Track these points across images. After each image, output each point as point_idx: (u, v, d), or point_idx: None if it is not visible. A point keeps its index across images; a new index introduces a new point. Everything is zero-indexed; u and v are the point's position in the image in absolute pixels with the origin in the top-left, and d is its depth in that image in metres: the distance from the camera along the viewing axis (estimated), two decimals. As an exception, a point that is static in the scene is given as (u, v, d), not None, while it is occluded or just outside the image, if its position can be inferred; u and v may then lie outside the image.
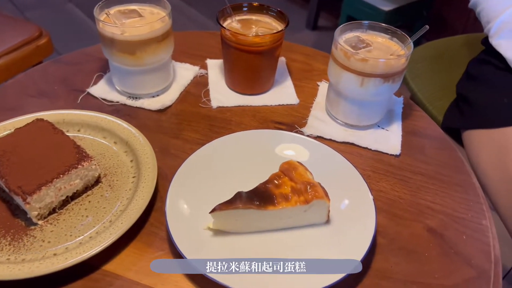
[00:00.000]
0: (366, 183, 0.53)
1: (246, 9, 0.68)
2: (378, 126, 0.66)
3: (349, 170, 0.55)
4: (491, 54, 0.85)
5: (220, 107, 0.68)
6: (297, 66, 0.78)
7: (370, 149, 0.62)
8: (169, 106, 0.67)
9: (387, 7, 2.00)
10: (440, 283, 0.46)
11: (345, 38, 0.63)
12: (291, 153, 0.58)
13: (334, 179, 0.53)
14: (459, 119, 0.85)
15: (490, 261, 0.49)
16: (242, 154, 0.57)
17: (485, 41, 0.86)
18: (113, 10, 0.65)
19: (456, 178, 0.59)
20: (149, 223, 0.51)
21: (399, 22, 2.13)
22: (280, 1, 2.60)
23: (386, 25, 0.64)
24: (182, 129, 0.63)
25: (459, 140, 0.86)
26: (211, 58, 0.77)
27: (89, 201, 0.51)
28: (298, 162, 0.52)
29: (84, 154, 0.51)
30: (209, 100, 0.69)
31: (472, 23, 2.03)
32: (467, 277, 0.47)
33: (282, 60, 0.79)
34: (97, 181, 0.53)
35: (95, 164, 0.51)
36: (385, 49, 0.62)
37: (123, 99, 0.67)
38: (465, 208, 0.55)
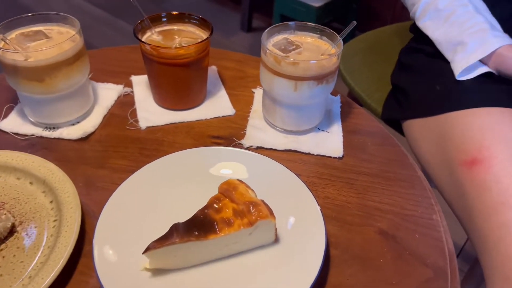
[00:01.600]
0: (312, 193, 0.50)
1: (165, 19, 0.63)
2: (319, 128, 0.64)
3: (293, 181, 0.52)
4: (419, 40, 0.86)
5: (149, 127, 0.62)
6: (230, 74, 0.74)
7: (313, 154, 0.60)
8: (92, 133, 0.61)
9: (317, 3, 2.01)
10: (398, 291, 0.44)
11: (273, 41, 0.60)
12: (229, 171, 0.54)
13: (279, 194, 0.50)
14: (397, 110, 0.84)
15: (445, 257, 0.48)
16: (176, 179, 0.52)
17: (413, 27, 0.87)
18: (14, 33, 0.57)
19: (401, 174, 0.58)
20: (77, 271, 0.45)
21: (330, 16, 2.16)
22: (212, 6, 2.56)
23: (314, 24, 0.61)
24: (108, 157, 0.57)
25: (401, 131, 0.86)
26: (136, 74, 0.71)
27: (3, 257, 0.44)
28: (238, 180, 0.48)
29: (-10, 203, 0.44)
30: (136, 121, 0.63)
31: (399, 12, 2.09)
32: (425, 278, 0.46)
33: (213, 69, 0.74)
34: (11, 231, 0.46)
35: (5, 213, 0.44)
36: (316, 49, 0.59)
37: (39, 131, 0.60)
38: (413, 204, 0.54)
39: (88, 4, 2.55)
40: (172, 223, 0.43)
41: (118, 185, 0.49)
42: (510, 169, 0.58)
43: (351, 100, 0.70)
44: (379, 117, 0.92)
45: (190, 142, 0.60)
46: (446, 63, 0.78)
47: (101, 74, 0.71)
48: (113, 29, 2.33)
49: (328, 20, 2.28)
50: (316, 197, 0.50)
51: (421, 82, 0.80)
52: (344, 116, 0.67)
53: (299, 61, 0.55)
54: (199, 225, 0.43)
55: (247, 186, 0.47)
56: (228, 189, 0.46)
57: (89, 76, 0.63)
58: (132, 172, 0.51)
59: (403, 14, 2.08)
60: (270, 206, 0.45)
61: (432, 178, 0.74)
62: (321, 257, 0.43)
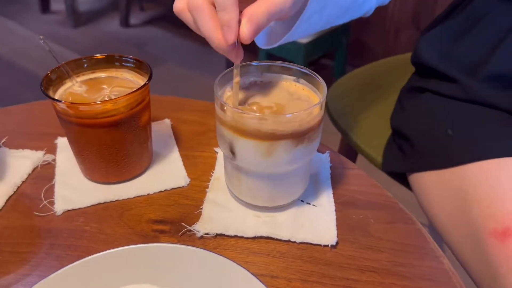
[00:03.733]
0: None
1: (86, 65, 0.47)
2: (302, 201, 0.47)
3: (262, 297, 0.34)
4: (423, 75, 0.71)
5: (67, 210, 0.45)
6: (187, 129, 0.58)
7: (295, 242, 0.42)
8: (-14, 225, 0.44)
9: (305, 40, 1.89)
10: None
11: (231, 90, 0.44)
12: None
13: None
14: (401, 161, 0.69)
15: None
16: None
17: (414, 58, 0.72)
18: None
19: (422, 267, 0.40)
20: None
21: (320, 52, 2.04)
22: (197, 46, 2.45)
23: (288, 63, 0.46)
24: (9, 261, 0.40)
25: (407, 183, 0.70)
26: (63, 135, 0.55)
27: None
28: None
29: None
30: (52, 203, 0.46)
31: (392, 44, 1.98)
32: None
33: (166, 124, 0.58)
34: None
35: None
36: (290, 98, 0.43)
37: None
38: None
39: (68, 51, 2.44)
40: None
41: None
42: None
43: (344, 158, 0.54)
44: (380, 168, 0.75)
45: (121, 231, 0.43)
46: (460, 102, 0.63)
47: (18, 137, 0.54)
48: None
49: (317, 57, 2.16)
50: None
51: (428, 127, 0.64)
52: (336, 181, 0.50)
53: (268, 117, 0.38)
54: None
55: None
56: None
57: (2, 142, 0.47)
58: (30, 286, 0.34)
59: (396, 46, 1.96)
60: None
61: (450, 246, 0.57)
62: None
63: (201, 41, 2.52)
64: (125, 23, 2.72)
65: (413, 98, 0.71)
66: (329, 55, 2.19)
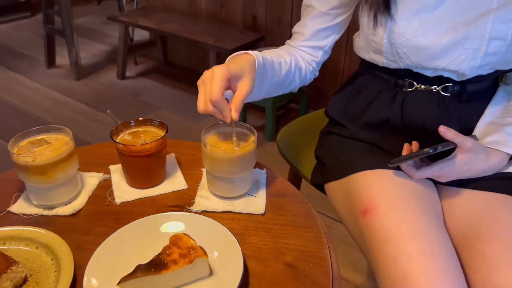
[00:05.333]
0: (237, 240, 0.72)
1: (133, 123, 0.88)
2: (248, 194, 0.87)
3: (224, 232, 0.74)
4: (331, 123, 1.13)
5: (123, 202, 0.85)
6: (185, 158, 0.99)
7: (243, 213, 0.82)
8: (80, 210, 0.83)
9: (272, 89, 2.34)
10: (294, 300, 0.65)
11: (212, 133, 0.85)
12: (180, 228, 0.76)
13: (213, 241, 0.71)
14: (320, 177, 1.09)
15: (330, 278, 0.69)
16: (141, 236, 0.74)
17: (326, 113, 1.14)
18: (24, 142, 0.81)
19: (306, 223, 0.80)
20: (71, 305, 0.64)
21: (286, 99, 2.49)
22: (185, 95, 2.88)
23: (241, 122, 0.85)
24: (92, 226, 0.79)
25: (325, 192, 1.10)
26: (112, 164, 0.95)
27: (20, 298, 0.64)
28: (184, 233, 0.70)
29: (11, 260, 0.64)
30: (113, 199, 0.85)
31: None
32: (313, 292, 0.67)
33: (172, 155, 0.99)
34: (25, 280, 0.66)
35: (21, 267, 0.65)
36: (244, 138, 0.84)
37: (40, 211, 0.81)
38: (312, 243, 0.76)
39: (72, 100, 2.85)
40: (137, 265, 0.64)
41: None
42: (390, 215, 0.81)
43: (274, 172, 0.95)
44: (309, 182, 1.16)
45: (153, 211, 0.82)
46: (348, 139, 1.04)
47: (87, 165, 0.94)
48: (95, 121, 2.61)
49: (285, 102, 2.62)
50: (242, 243, 0.72)
51: (332, 155, 1.06)
52: (268, 184, 0.90)
53: (225, 151, 0.79)
54: (155, 265, 0.64)
55: (190, 237, 0.69)
56: (175, 240, 0.68)
57: (78, 168, 0.86)
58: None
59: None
60: (206, 250, 0.67)
61: (347, 228, 0.96)
62: (239, 279, 0.64)
63: (188, 90, 2.97)
64: (122, 75, 3.15)
65: (325, 137, 1.13)
66: (295, 100, 2.65)
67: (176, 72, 3.27)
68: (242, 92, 0.78)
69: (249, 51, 0.85)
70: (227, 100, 0.76)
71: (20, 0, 4.52)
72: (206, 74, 0.77)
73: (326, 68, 1.03)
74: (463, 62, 0.86)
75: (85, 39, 3.90)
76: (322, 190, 1.11)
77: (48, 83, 3.11)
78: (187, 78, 3.15)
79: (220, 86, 0.75)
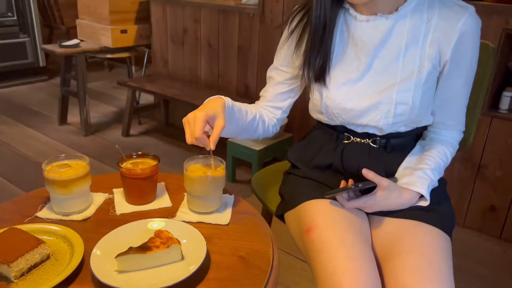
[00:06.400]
0: (203, 237, 0.98)
1: (134, 156, 1.18)
2: (218, 211, 1.14)
3: (194, 231, 1.00)
4: (291, 166, 1.41)
5: (121, 213, 1.11)
6: (172, 186, 1.26)
7: (212, 223, 1.09)
8: (89, 217, 1.09)
9: (258, 147, 2.66)
10: (243, 283, 0.90)
11: (193, 163, 1.13)
12: (162, 226, 1.02)
13: (186, 236, 0.98)
14: (280, 209, 1.36)
15: (270, 265, 0.95)
16: (134, 231, 1.00)
17: (287, 158, 1.43)
18: (54, 164, 1.10)
19: (259, 231, 1.07)
20: (79, 277, 0.89)
21: (270, 156, 2.80)
22: (171, 147, 3.20)
23: (216, 156, 1.15)
24: (98, 228, 1.05)
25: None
26: (115, 187, 1.23)
27: (44, 268, 0.89)
28: (165, 230, 0.96)
29: (40, 241, 0.90)
30: (114, 211, 1.12)
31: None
32: (257, 274, 0.92)
33: (162, 184, 1.27)
34: (48, 257, 0.91)
35: (47, 246, 0.91)
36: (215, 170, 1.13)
37: (59, 217, 1.08)
38: (261, 244, 1.02)
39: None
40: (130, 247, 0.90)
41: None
42: (325, 231, 1.07)
43: (241, 198, 1.22)
44: (274, 214, 1.42)
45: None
46: (301, 178, 1.32)
47: (96, 188, 1.22)
48: (99, 171, 2.90)
49: (269, 159, 2.92)
50: (209, 243, 0.98)
51: (290, 191, 1.33)
52: (234, 205, 1.17)
53: (199, 177, 1.08)
54: (142, 247, 0.90)
55: (168, 232, 0.95)
56: (158, 233, 0.95)
57: (90, 185, 1.14)
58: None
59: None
60: (179, 241, 0.93)
61: (297, 246, 1.21)
62: (201, 261, 0.90)
63: (185, 148, 3.29)
64: (126, 133, 3.49)
65: (286, 177, 1.40)
66: (278, 157, 2.95)
67: (176, 132, 3.62)
68: (218, 129, 1.07)
69: (222, 96, 1.15)
70: (207, 133, 1.06)
71: (39, 65, 5.02)
72: (190, 116, 1.07)
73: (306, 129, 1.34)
74: (379, 120, 1.17)
75: (95, 101, 4.32)
76: (283, 220, 1.37)
77: (59, 137, 3.44)
78: (185, 138, 3.48)
79: (200, 127, 1.05)
